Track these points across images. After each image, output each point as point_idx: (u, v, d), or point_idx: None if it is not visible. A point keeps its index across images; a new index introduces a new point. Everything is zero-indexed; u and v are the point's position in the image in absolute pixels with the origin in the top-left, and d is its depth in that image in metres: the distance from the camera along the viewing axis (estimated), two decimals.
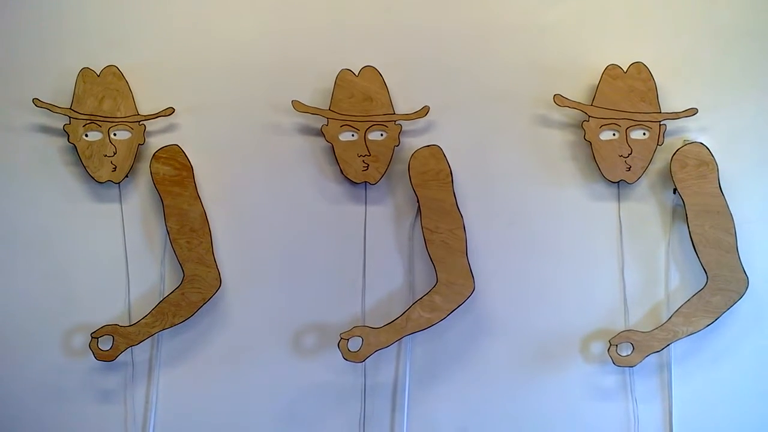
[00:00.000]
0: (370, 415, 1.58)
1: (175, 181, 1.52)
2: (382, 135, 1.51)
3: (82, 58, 1.56)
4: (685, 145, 1.45)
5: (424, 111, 1.50)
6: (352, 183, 1.53)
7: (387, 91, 1.52)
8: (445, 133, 1.55)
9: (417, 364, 1.57)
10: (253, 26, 1.58)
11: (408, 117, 1.51)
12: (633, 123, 1.47)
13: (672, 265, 1.53)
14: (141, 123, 1.54)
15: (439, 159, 1.47)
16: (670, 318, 1.46)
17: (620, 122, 1.47)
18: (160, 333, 1.55)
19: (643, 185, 1.53)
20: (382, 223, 1.57)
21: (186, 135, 1.57)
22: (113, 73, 1.55)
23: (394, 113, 1.52)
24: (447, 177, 1.47)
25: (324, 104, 1.53)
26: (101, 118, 1.53)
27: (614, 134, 1.48)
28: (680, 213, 1.49)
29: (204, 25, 1.58)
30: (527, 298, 1.55)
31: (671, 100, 1.50)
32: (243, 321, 1.59)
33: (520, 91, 1.54)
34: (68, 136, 1.53)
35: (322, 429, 1.59)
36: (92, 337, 1.53)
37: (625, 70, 1.48)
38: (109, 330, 1.53)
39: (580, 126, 1.49)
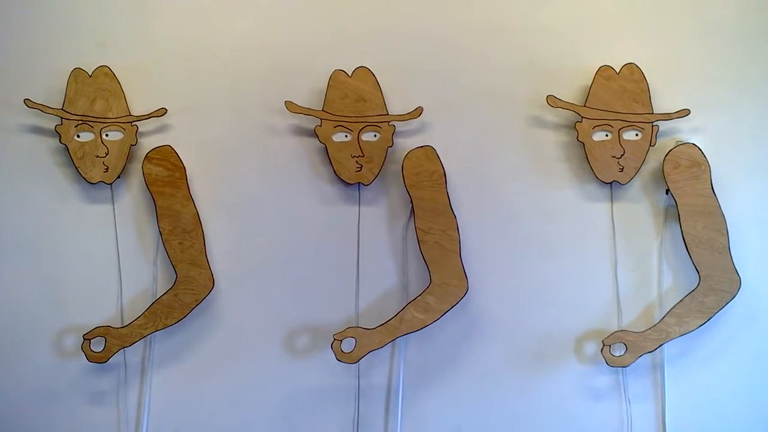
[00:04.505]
0: (364, 415, 1.58)
1: (167, 182, 1.51)
2: (375, 136, 1.51)
3: (73, 58, 1.55)
4: (678, 145, 1.46)
5: (418, 112, 1.50)
6: (346, 184, 1.53)
7: (380, 91, 1.52)
8: (438, 133, 1.55)
9: (411, 365, 1.57)
10: (246, 27, 1.58)
11: (401, 118, 1.51)
12: (625, 124, 1.47)
13: (665, 266, 1.53)
14: (133, 123, 1.54)
15: (432, 160, 1.47)
16: (662, 318, 1.47)
17: (613, 123, 1.47)
18: (152, 334, 1.54)
19: (636, 186, 1.53)
20: (375, 224, 1.56)
21: (179, 136, 1.57)
22: (105, 73, 1.54)
23: (388, 114, 1.52)
24: (440, 178, 1.47)
25: (317, 105, 1.53)
26: (93, 119, 1.53)
27: (607, 135, 1.48)
28: (673, 213, 1.50)
29: (197, 25, 1.58)
30: (521, 299, 1.55)
31: (664, 101, 1.50)
32: (236, 322, 1.59)
33: (514, 92, 1.54)
34: (60, 136, 1.52)
35: (316, 430, 1.59)
36: (84, 339, 1.52)
37: (617, 71, 1.48)
38: (102, 331, 1.53)
39: (573, 127, 1.49)
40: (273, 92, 1.56)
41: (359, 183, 1.52)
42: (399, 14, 1.56)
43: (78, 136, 1.53)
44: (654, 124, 1.47)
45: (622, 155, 1.47)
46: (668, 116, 1.47)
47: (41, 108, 1.52)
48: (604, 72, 1.48)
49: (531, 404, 1.57)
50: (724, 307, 1.45)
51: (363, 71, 1.51)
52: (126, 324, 1.54)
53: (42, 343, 1.59)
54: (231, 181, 1.58)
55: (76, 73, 1.53)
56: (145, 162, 1.51)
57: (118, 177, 1.54)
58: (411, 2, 1.56)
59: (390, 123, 1.51)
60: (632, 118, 1.47)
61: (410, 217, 1.53)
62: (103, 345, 1.53)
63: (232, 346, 1.59)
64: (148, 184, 1.51)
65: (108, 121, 1.53)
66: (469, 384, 1.57)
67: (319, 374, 1.57)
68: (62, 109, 1.53)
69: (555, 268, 1.55)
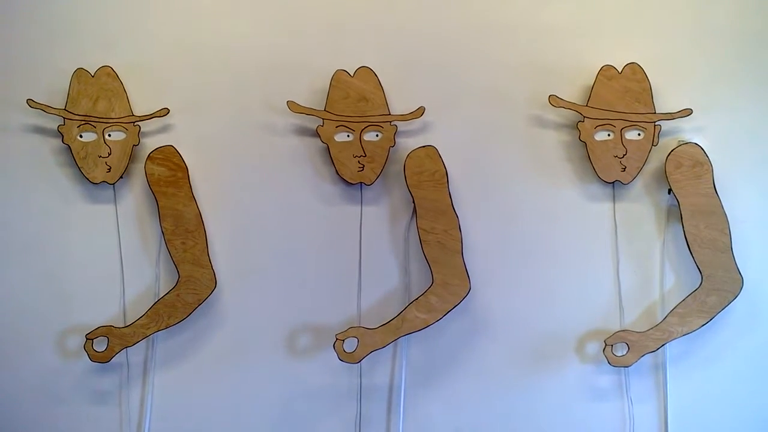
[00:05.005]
0: (366, 415, 1.58)
1: (170, 182, 1.52)
2: (377, 135, 1.51)
3: (76, 58, 1.55)
4: (680, 145, 1.45)
5: (420, 111, 1.50)
6: (348, 183, 1.53)
7: (382, 91, 1.52)
8: (440, 133, 1.55)
9: (413, 365, 1.57)
10: (248, 27, 1.58)
11: (403, 117, 1.51)
12: (628, 123, 1.47)
13: (667, 266, 1.53)
14: (136, 124, 1.54)
15: (434, 159, 1.48)
16: (665, 318, 1.47)
17: (615, 123, 1.47)
18: (155, 334, 1.55)
19: (638, 186, 1.53)
20: (377, 224, 1.57)
21: (181, 136, 1.57)
22: (108, 73, 1.54)
23: (390, 114, 1.52)
24: (442, 177, 1.48)
25: (319, 105, 1.53)
26: (96, 119, 1.53)
27: (609, 135, 1.48)
28: (675, 213, 1.50)
29: (199, 25, 1.58)
30: (523, 299, 1.55)
31: (666, 101, 1.50)
32: (238, 322, 1.59)
33: (516, 91, 1.54)
34: (62, 136, 1.53)
35: (318, 430, 1.59)
36: (87, 339, 1.53)
37: (619, 71, 1.48)
38: (104, 331, 1.53)
39: (575, 126, 1.49)
40: (275, 92, 1.56)
41: (361, 183, 1.52)
42: (401, 14, 1.56)
43: (81, 136, 1.53)
44: (656, 123, 1.47)
45: (624, 155, 1.47)
46: (670, 116, 1.47)
47: (44, 108, 1.53)
48: (606, 71, 1.48)
49: (533, 404, 1.57)
50: (726, 306, 1.45)
51: (365, 71, 1.51)
52: (128, 324, 1.54)
53: (45, 342, 1.60)
54: (233, 181, 1.58)
55: (79, 73, 1.53)
56: (148, 162, 1.51)
57: (121, 177, 1.54)
58: (413, 2, 1.56)
59: (392, 123, 1.51)
60: (634, 117, 1.47)
61: (412, 216, 1.53)
62: (106, 345, 1.53)
63: (234, 346, 1.59)
64: (151, 184, 1.51)
65: (110, 121, 1.53)
66: (471, 383, 1.57)
67: (322, 374, 1.57)
68: (65, 109, 1.53)
69: (557, 268, 1.55)
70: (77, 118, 1.53)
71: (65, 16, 1.58)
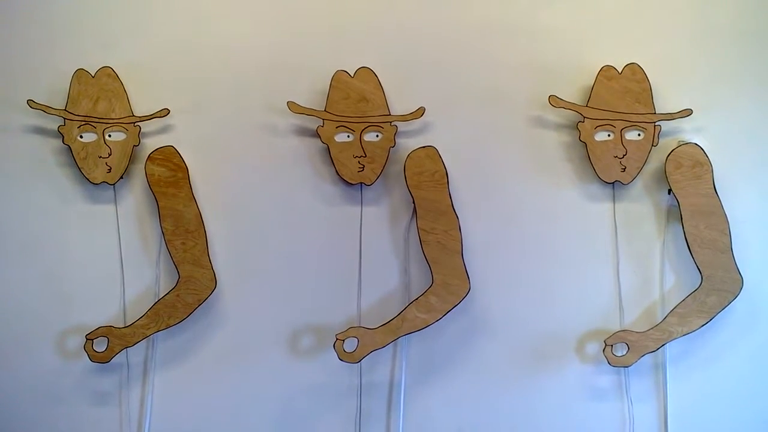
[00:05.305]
0: (366, 415, 1.58)
1: (170, 183, 1.52)
2: (377, 136, 1.52)
3: (76, 59, 1.55)
4: (680, 145, 1.46)
5: (420, 112, 1.50)
6: (348, 184, 1.53)
7: (382, 91, 1.52)
8: (440, 133, 1.55)
9: (413, 365, 1.57)
10: (248, 27, 1.58)
11: (404, 118, 1.51)
12: (628, 124, 1.47)
13: (667, 266, 1.53)
14: (136, 124, 1.54)
15: (434, 160, 1.48)
16: (665, 318, 1.47)
17: (615, 123, 1.47)
18: (155, 334, 1.55)
19: (638, 186, 1.53)
20: (377, 224, 1.57)
21: (181, 136, 1.57)
22: (108, 74, 1.54)
23: (390, 114, 1.52)
24: (442, 178, 1.48)
25: (320, 105, 1.53)
26: (96, 120, 1.53)
27: (609, 135, 1.48)
28: (675, 213, 1.50)
29: (199, 26, 1.58)
30: (523, 299, 1.56)
31: (666, 101, 1.50)
32: (239, 322, 1.59)
33: (516, 92, 1.54)
34: (63, 137, 1.53)
35: (319, 430, 1.59)
36: (87, 339, 1.53)
37: (619, 71, 1.48)
38: (104, 331, 1.53)
39: (575, 127, 1.49)
40: (275, 93, 1.56)
41: (361, 183, 1.52)
42: (401, 14, 1.56)
43: (81, 137, 1.53)
44: (656, 124, 1.47)
45: (624, 155, 1.47)
46: (670, 116, 1.47)
47: (44, 109, 1.53)
48: (606, 72, 1.48)
49: (533, 404, 1.57)
50: (726, 306, 1.45)
51: (365, 71, 1.51)
52: (129, 324, 1.54)
53: (45, 343, 1.60)
54: (233, 181, 1.58)
55: (79, 74, 1.53)
56: (148, 162, 1.51)
57: (121, 177, 1.54)
58: (413, 2, 1.56)
59: (392, 123, 1.51)
60: (634, 118, 1.47)
61: (412, 217, 1.53)
62: (106, 345, 1.53)
63: (234, 346, 1.59)
64: (151, 184, 1.51)
65: (111, 121, 1.53)
66: (470, 384, 1.57)
67: (322, 374, 1.57)
68: (65, 109, 1.53)
69: (557, 268, 1.55)
70: (77, 118, 1.53)
71: (65, 16, 1.58)
